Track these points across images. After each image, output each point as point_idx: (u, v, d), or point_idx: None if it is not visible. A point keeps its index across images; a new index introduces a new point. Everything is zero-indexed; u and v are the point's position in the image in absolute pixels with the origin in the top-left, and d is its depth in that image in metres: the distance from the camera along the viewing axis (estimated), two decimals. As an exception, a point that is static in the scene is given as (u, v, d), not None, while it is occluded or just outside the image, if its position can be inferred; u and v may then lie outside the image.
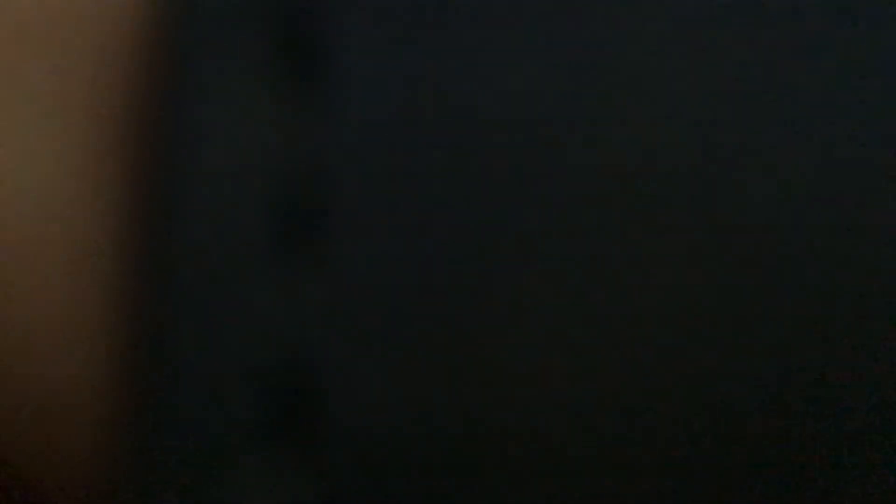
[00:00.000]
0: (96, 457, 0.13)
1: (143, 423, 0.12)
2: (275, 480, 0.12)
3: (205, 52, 0.12)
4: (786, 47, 0.12)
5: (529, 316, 0.11)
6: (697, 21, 0.12)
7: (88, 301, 0.14)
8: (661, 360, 0.11)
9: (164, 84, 0.13)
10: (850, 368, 0.11)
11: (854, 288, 0.11)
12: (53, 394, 0.14)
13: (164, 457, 0.12)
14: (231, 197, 0.12)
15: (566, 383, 0.11)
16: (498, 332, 0.11)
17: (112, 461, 0.13)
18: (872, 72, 0.12)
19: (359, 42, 0.12)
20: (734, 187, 0.11)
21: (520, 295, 0.11)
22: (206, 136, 0.12)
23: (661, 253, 0.11)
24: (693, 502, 0.11)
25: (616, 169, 0.12)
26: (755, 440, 0.11)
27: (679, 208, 0.11)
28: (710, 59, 0.12)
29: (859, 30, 0.12)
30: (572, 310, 0.11)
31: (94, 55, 0.13)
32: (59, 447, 0.14)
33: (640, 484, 0.11)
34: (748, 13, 0.12)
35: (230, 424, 0.12)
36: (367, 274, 0.12)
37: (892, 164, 0.11)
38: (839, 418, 0.11)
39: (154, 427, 0.12)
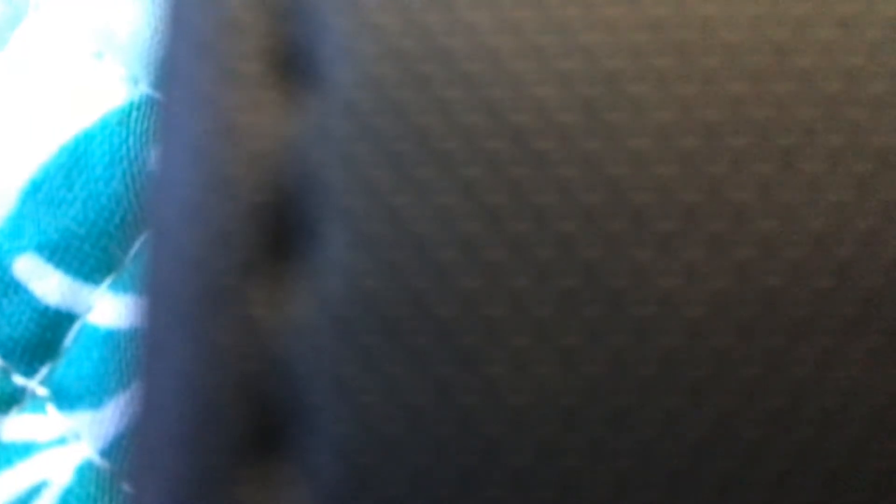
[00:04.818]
0: None
1: (137, 438, 0.12)
2: (267, 494, 0.11)
3: (193, 61, 0.12)
4: None
5: (524, 321, 0.11)
6: None
7: None
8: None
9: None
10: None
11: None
12: None
13: (152, 471, 0.12)
14: (221, 205, 0.12)
15: (559, 391, 0.11)
16: (490, 340, 0.11)
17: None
18: None
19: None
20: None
21: (516, 301, 0.11)
22: (192, 140, 0.12)
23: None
24: None
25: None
26: None
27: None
28: None
29: None
30: (570, 317, 0.11)
31: None
32: None
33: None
34: None
35: (223, 436, 0.11)
36: (358, 281, 0.11)
37: None
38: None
39: (147, 440, 0.12)
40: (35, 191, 0.20)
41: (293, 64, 0.12)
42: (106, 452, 0.19)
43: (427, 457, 0.11)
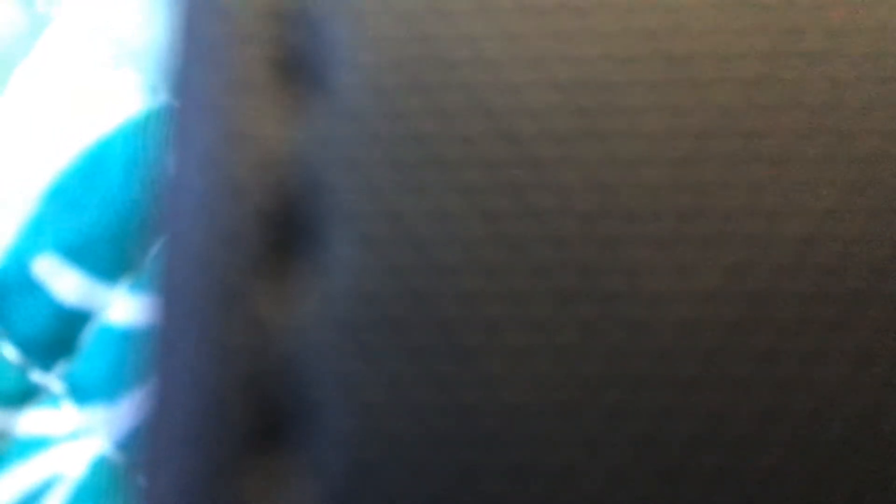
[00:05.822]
0: None
1: (150, 433, 0.12)
2: (273, 488, 0.11)
3: (203, 70, 0.12)
4: None
5: (522, 320, 0.11)
6: None
7: None
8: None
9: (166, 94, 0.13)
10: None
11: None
12: None
13: (162, 464, 0.12)
14: (230, 209, 0.12)
15: (555, 387, 0.11)
16: (489, 339, 0.11)
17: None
18: None
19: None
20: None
21: (515, 300, 0.11)
22: (202, 146, 0.12)
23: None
24: None
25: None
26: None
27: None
28: None
29: None
30: (566, 316, 0.11)
31: None
32: None
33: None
34: None
35: (231, 431, 0.12)
36: (362, 281, 0.11)
37: None
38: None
39: (159, 435, 0.12)
40: (56, 194, 0.20)
41: (299, 72, 0.12)
42: (121, 447, 0.19)
43: (428, 451, 0.11)
